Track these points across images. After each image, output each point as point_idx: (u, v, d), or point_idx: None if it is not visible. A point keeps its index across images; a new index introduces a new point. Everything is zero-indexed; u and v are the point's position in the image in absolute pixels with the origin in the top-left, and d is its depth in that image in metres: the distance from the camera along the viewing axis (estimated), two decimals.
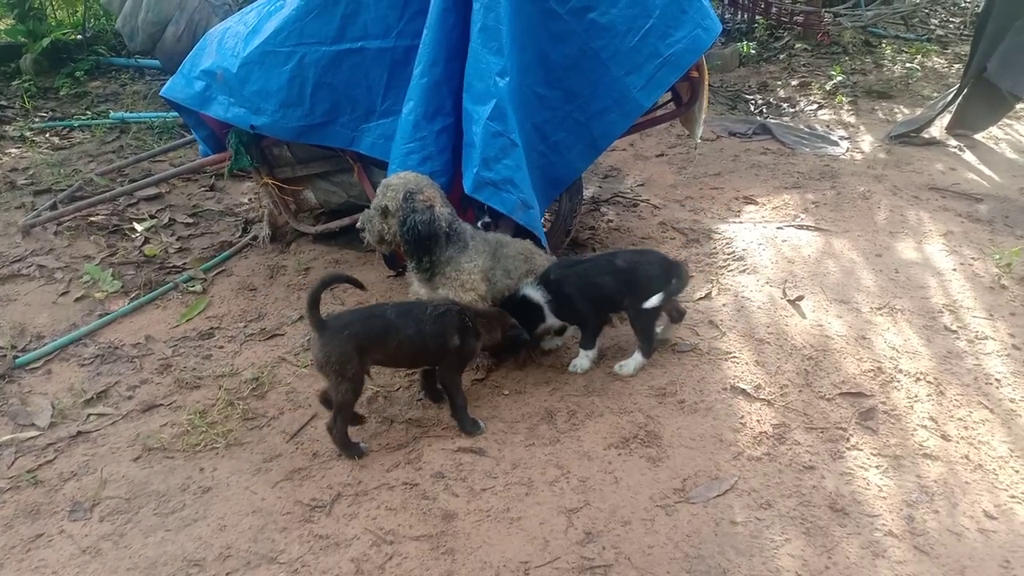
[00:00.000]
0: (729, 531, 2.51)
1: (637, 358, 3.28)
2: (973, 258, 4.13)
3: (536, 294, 3.22)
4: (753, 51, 8.68)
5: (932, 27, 9.58)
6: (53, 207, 4.86)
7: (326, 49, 3.69)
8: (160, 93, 4.22)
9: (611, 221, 4.77)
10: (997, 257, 4.06)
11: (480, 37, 3.29)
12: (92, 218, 4.81)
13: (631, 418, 3.03)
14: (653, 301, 3.13)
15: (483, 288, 3.25)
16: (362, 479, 2.81)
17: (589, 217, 4.80)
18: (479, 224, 3.63)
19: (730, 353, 3.40)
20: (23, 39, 7.53)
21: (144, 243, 4.63)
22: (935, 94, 6.89)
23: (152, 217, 4.94)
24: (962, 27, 9.48)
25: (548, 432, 2.98)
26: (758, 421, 2.99)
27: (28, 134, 6.24)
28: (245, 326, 3.83)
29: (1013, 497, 2.62)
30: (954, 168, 5.40)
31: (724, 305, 3.77)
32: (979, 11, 6.83)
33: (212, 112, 3.97)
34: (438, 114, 3.51)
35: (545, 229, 3.86)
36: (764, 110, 7.01)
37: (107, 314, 3.91)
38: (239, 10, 5.21)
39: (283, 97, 3.77)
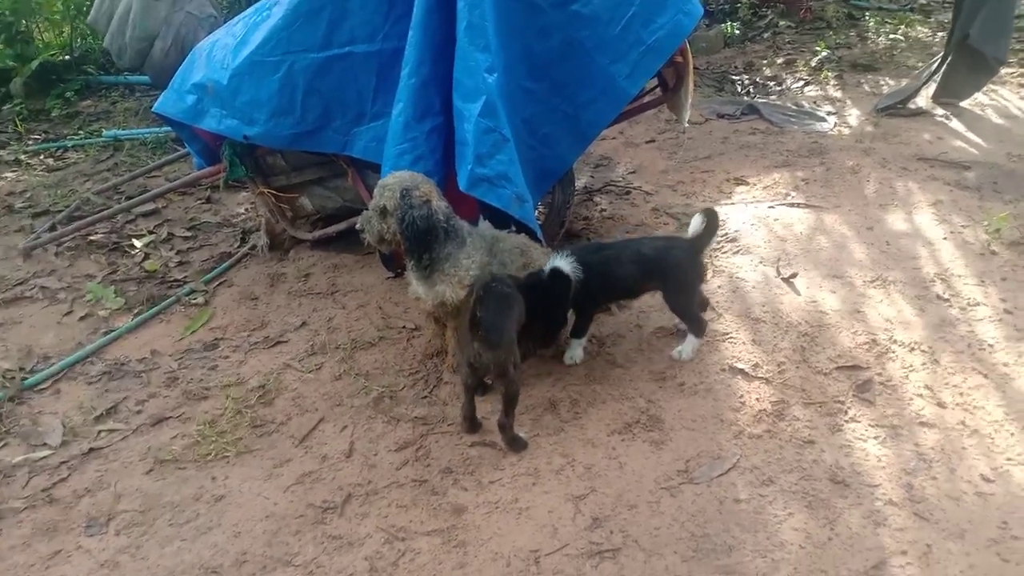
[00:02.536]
0: (733, 509, 2.57)
1: (692, 341, 3.32)
2: (963, 226, 4.17)
3: (567, 266, 3.17)
4: (737, 31, 8.69)
5: None
6: (52, 228, 4.91)
7: (314, 56, 3.73)
8: (152, 109, 4.27)
9: (604, 210, 4.82)
10: (986, 223, 4.11)
11: (467, 35, 3.32)
12: (91, 237, 4.86)
13: (632, 403, 3.08)
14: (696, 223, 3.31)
15: None
16: (372, 479, 2.87)
17: (582, 207, 4.85)
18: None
19: (727, 334, 3.45)
20: (11, 63, 7.56)
21: (144, 259, 4.68)
22: (920, 64, 6.91)
23: (151, 232, 4.99)
24: None
25: (552, 422, 3.04)
26: (757, 399, 3.05)
27: (23, 157, 6.29)
28: (249, 335, 3.88)
29: (1009, 460, 2.67)
30: (941, 137, 5.44)
31: (719, 287, 3.82)
32: None
33: (205, 125, 4.01)
34: (428, 114, 3.55)
35: (539, 222, 3.90)
36: (751, 90, 7.03)
37: (112, 331, 3.96)
38: (225, 22, 5.25)
39: (274, 106, 3.81)
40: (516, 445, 2.91)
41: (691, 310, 3.33)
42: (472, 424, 3.02)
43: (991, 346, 3.23)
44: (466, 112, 3.37)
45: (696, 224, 3.32)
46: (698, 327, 3.33)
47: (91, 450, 3.14)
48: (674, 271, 3.27)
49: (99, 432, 3.25)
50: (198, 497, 2.86)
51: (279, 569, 2.52)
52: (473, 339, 2.77)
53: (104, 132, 6.64)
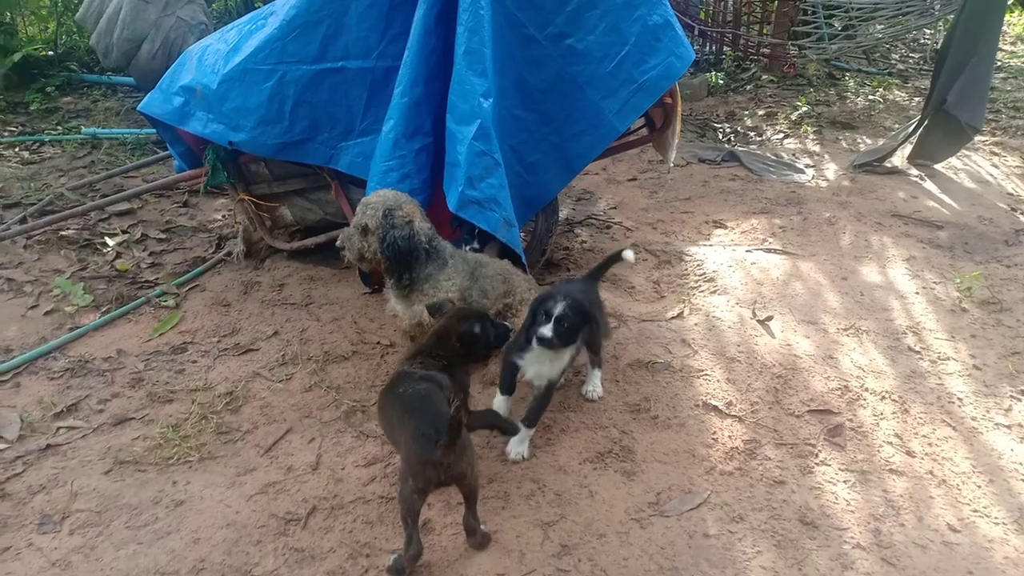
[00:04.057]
0: (702, 544, 2.55)
1: (598, 374, 3.31)
2: (934, 282, 4.26)
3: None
4: (721, 81, 8.88)
5: (893, 61, 9.89)
6: (23, 221, 4.80)
7: (307, 68, 3.73)
8: (138, 108, 4.22)
9: (585, 242, 4.84)
10: (958, 281, 4.19)
11: (465, 60, 3.35)
12: (63, 232, 4.76)
13: (606, 433, 3.07)
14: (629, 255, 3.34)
15: None
16: (338, 493, 2.81)
17: (563, 238, 4.87)
18: (467, 249, 3.67)
19: (702, 371, 3.46)
20: None
21: (116, 258, 4.59)
22: (896, 125, 7.10)
23: (124, 232, 4.90)
24: (922, 62, 9.79)
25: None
26: (730, 437, 3.05)
27: None
28: (219, 341, 3.81)
29: (975, 511, 2.70)
30: (915, 196, 5.57)
31: (696, 324, 3.84)
32: (938, 47, 7.07)
33: (190, 128, 3.98)
34: (418, 133, 3.56)
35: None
36: (732, 138, 7.16)
37: (77, 328, 3.87)
38: (216, 29, 5.23)
39: (262, 114, 3.79)
40: (485, 542, 2.55)
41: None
42: (414, 565, 2.43)
43: (960, 400, 3.28)
44: (459, 134, 3.39)
45: (629, 255, 3.35)
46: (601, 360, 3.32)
47: (48, 446, 3.04)
48: (599, 309, 3.25)
49: (58, 429, 3.16)
50: (157, 501, 2.77)
51: None
52: (443, 453, 2.29)
53: (83, 129, 6.55)
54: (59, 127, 6.80)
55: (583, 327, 2.87)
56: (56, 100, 7.45)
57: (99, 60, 7.56)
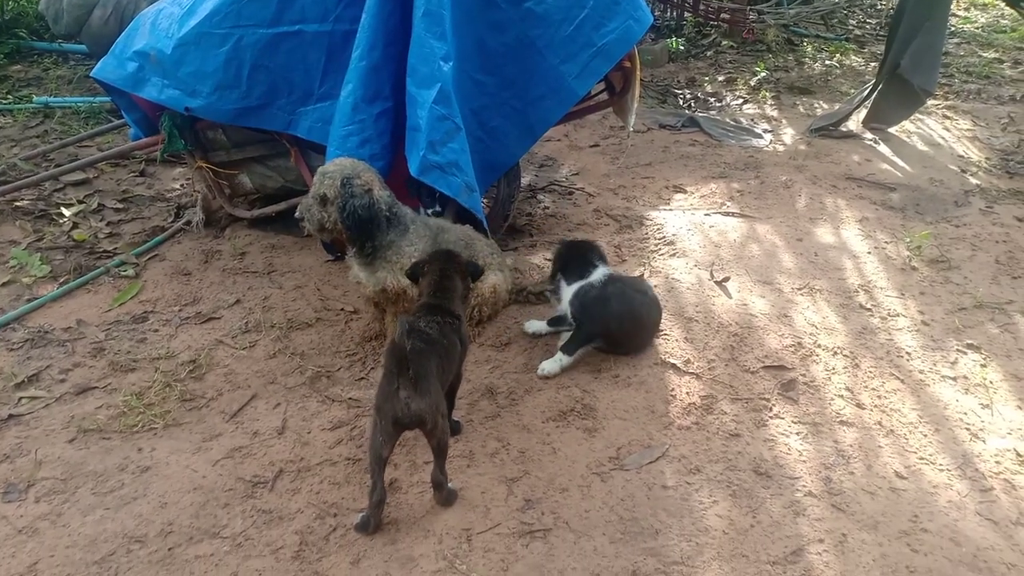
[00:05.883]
0: (661, 495, 2.64)
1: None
2: (886, 242, 4.37)
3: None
4: (682, 47, 8.91)
5: (850, 27, 9.97)
6: None
7: (263, 31, 3.69)
8: (91, 74, 4.14)
9: (547, 208, 4.88)
10: (908, 241, 4.31)
11: (424, 22, 3.34)
12: (17, 203, 4.68)
13: (568, 393, 3.13)
14: None
15: None
16: (304, 456, 2.85)
17: (526, 204, 4.90)
18: (428, 213, 3.68)
19: (662, 330, 3.53)
20: None
21: (72, 228, 4.53)
22: (852, 90, 7.19)
23: (80, 202, 4.83)
24: (877, 27, 9.89)
25: (488, 407, 3.07)
26: (687, 393, 3.13)
27: None
28: (180, 310, 3.80)
29: (921, 459, 2.81)
30: (869, 159, 5.68)
31: (656, 286, 3.89)
32: (893, 13, 7.16)
33: (145, 94, 3.92)
34: (377, 97, 3.55)
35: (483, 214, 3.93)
36: (692, 104, 7.21)
37: (36, 299, 3.82)
38: None
39: (219, 79, 3.75)
40: (452, 499, 2.61)
41: None
42: (380, 514, 2.51)
43: (908, 354, 3.39)
44: (420, 98, 3.38)
45: None
46: None
47: (11, 416, 3.03)
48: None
49: (20, 399, 3.14)
50: (123, 467, 2.78)
51: (206, 540, 2.48)
52: (400, 387, 2.36)
53: (35, 98, 6.40)
54: (9, 96, 6.62)
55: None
56: (5, 68, 7.24)
57: (49, 26, 7.33)
